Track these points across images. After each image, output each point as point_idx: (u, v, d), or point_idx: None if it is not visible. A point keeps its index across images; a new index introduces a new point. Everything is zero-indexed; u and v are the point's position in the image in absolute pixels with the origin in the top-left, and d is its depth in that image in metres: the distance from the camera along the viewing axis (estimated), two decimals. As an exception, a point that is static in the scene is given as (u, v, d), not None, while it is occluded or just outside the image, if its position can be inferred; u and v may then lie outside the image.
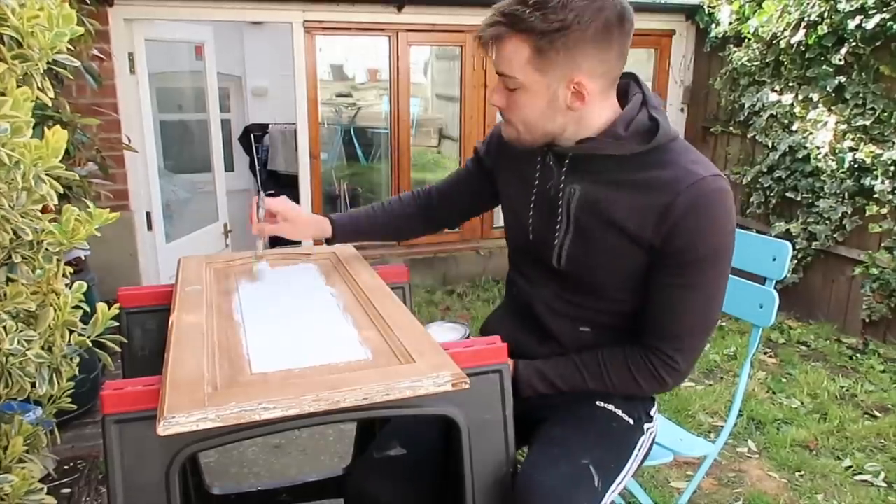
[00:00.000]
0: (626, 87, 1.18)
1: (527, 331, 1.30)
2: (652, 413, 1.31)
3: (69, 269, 1.30)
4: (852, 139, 3.27)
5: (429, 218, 1.51)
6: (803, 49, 3.44)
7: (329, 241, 1.45)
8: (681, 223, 1.08)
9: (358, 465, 1.52)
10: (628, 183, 1.13)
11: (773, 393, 2.86)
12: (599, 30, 1.05)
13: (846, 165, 3.29)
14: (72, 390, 1.29)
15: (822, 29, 3.28)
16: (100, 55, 2.61)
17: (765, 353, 3.26)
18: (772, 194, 3.78)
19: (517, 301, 1.34)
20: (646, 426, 1.27)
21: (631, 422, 1.24)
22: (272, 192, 5.29)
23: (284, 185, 5.01)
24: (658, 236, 1.10)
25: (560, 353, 1.25)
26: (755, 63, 3.77)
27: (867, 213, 3.22)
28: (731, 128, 4.12)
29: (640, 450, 1.24)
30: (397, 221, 1.50)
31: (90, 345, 1.26)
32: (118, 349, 1.28)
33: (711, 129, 4.28)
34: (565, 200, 1.19)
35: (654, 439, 1.32)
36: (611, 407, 1.24)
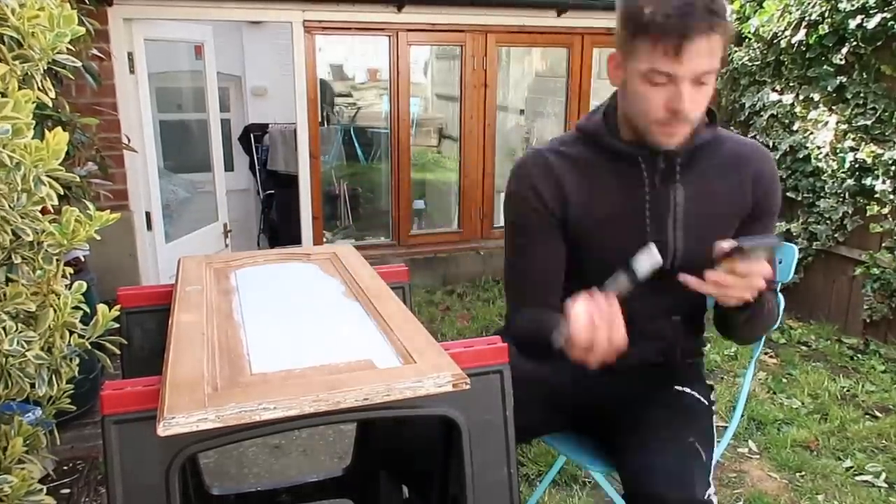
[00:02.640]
0: None
1: None
2: (713, 396, 1.39)
3: (69, 270, 1.30)
4: (853, 139, 3.27)
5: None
6: (804, 49, 3.44)
7: None
8: (771, 184, 1.25)
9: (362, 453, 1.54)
10: (718, 168, 1.23)
11: (774, 393, 2.86)
12: None
13: (847, 165, 3.29)
14: (71, 391, 1.28)
15: (823, 28, 3.28)
16: (99, 55, 2.60)
17: (765, 354, 3.25)
18: (772, 194, 3.77)
19: None
20: (714, 407, 1.36)
21: (706, 403, 1.34)
22: (271, 191, 5.30)
23: (284, 184, 5.01)
24: (754, 200, 1.24)
25: (656, 344, 1.32)
26: (756, 63, 3.77)
27: (868, 213, 3.22)
28: (731, 127, 4.11)
29: (715, 429, 1.31)
30: None
31: (89, 347, 1.25)
32: (117, 351, 1.27)
33: (712, 129, 4.27)
34: (673, 201, 1.22)
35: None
36: (688, 390, 1.33)
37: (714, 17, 1.03)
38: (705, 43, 1.04)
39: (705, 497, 1.13)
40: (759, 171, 1.24)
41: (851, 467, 2.31)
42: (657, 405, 1.28)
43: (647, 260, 1.08)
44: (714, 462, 1.24)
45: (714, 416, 1.35)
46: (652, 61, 1.07)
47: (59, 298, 1.21)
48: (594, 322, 1.02)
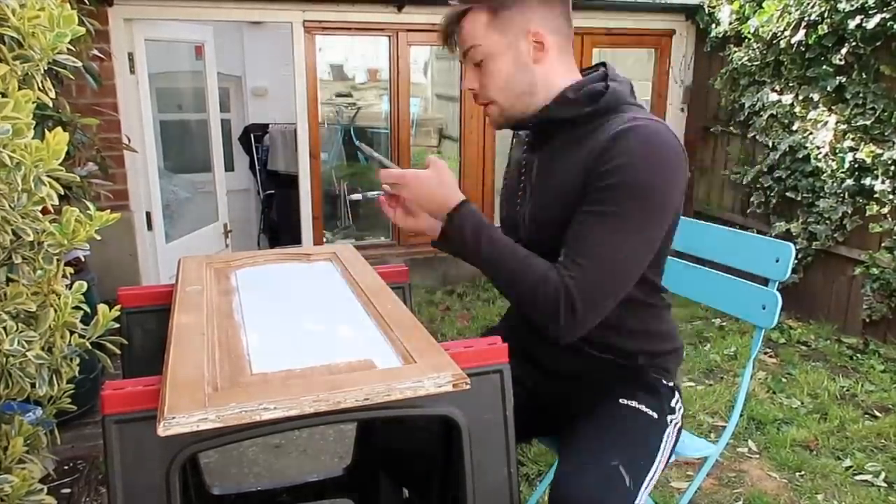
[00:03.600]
0: (595, 69, 1.26)
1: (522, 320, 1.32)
2: (674, 404, 1.30)
3: (69, 270, 1.30)
4: (852, 139, 3.27)
5: None
6: (803, 49, 3.44)
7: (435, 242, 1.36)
8: (605, 154, 1.09)
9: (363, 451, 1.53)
10: (574, 143, 1.17)
11: (774, 393, 2.86)
12: None
13: (846, 165, 3.29)
14: (72, 391, 1.28)
15: (823, 29, 3.28)
16: (100, 55, 2.60)
17: (765, 353, 3.26)
18: (772, 194, 3.78)
19: None
20: (669, 418, 1.27)
21: (655, 416, 1.24)
22: (271, 191, 5.30)
23: (284, 184, 5.01)
24: (586, 175, 1.12)
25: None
26: (755, 63, 3.78)
27: (867, 213, 3.22)
28: (731, 128, 4.12)
29: (666, 443, 1.24)
30: None
31: (90, 346, 1.26)
32: (118, 351, 1.28)
33: (711, 129, 4.28)
34: (528, 173, 1.27)
35: (679, 430, 1.32)
36: (633, 403, 1.24)
37: (457, 4, 1.19)
38: (467, 21, 1.19)
39: None
40: (603, 144, 1.10)
41: (851, 467, 2.31)
42: (592, 420, 1.22)
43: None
44: (650, 483, 1.16)
45: (669, 428, 1.26)
46: None
47: (59, 298, 1.21)
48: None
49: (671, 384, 1.33)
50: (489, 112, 1.26)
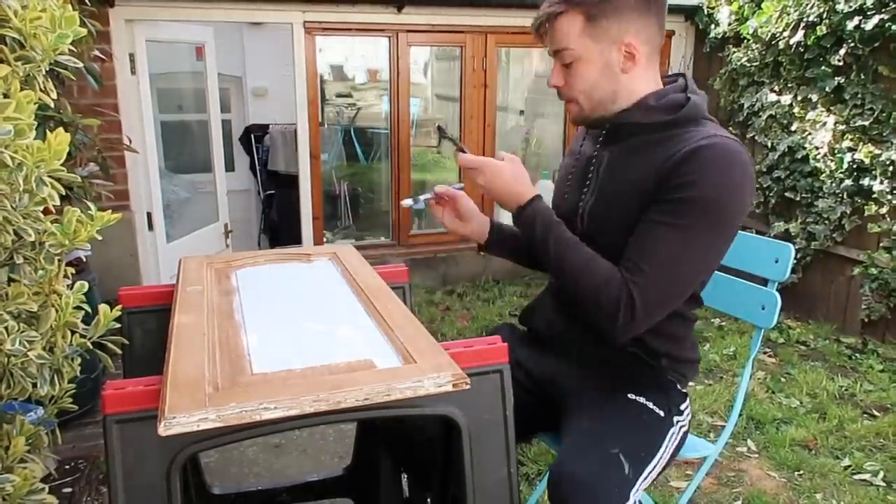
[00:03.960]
0: (675, 80, 1.28)
1: (556, 307, 1.38)
2: (683, 407, 1.32)
3: (70, 270, 1.30)
4: (851, 139, 3.28)
5: None
6: (802, 50, 3.44)
7: (480, 248, 1.49)
8: (681, 166, 1.12)
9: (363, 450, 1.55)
10: (646, 145, 1.20)
11: (773, 392, 2.86)
12: None
13: (845, 166, 3.29)
14: (73, 390, 1.29)
15: (821, 30, 3.28)
16: (101, 56, 2.61)
17: (764, 353, 3.26)
18: (771, 194, 3.78)
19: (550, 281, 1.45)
20: (675, 419, 1.28)
21: (661, 414, 1.26)
22: (272, 192, 5.30)
23: (285, 185, 5.01)
24: (661, 178, 1.14)
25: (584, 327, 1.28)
26: (754, 64, 3.78)
27: (866, 213, 3.22)
28: (730, 128, 4.12)
29: (670, 441, 1.25)
30: None
31: (91, 346, 1.26)
32: (119, 351, 1.28)
33: (711, 130, 4.28)
34: (594, 167, 1.28)
35: (685, 433, 1.33)
36: (641, 399, 1.26)
37: (556, 5, 1.19)
38: (550, 24, 1.21)
39: None
40: (672, 155, 1.13)
41: (850, 466, 2.32)
42: (599, 412, 1.24)
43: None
44: (649, 476, 1.17)
45: (674, 428, 1.27)
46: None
47: (60, 298, 1.21)
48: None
49: (684, 389, 1.35)
50: (570, 109, 1.29)
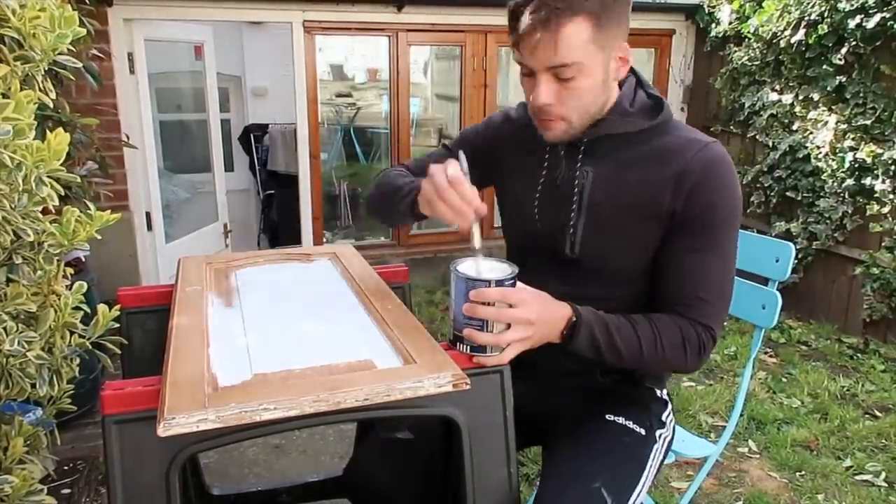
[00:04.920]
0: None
1: None
2: (664, 418, 1.28)
3: (69, 270, 1.30)
4: (853, 139, 3.27)
5: None
6: (803, 48, 3.44)
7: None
8: (699, 187, 1.08)
9: (361, 450, 1.51)
10: (637, 159, 1.13)
11: (774, 393, 2.86)
12: None
13: (846, 165, 3.29)
14: (72, 391, 1.28)
15: (823, 28, 3.28)
16: (99, 55, 2.61)
17: (765, 353, 3.26)
18: (772, 194, 3.78)
19: None
20: (658, 433, 1.24)
21: (643, 432, 1.22)
22: (271, 191, 5.30)
23: (284, 185, 5.01)
24: (677, 203, 1.10)
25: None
26: (755, 62, 3.78)
27: (868, 213, 3.22)
28: (731, 127, 4.11)
29: (654, 459, 1.22)
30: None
31: (90, 347, 1.26)
32: (118, 351, 1.28)
33: (711, 129, 4.27)
34: (578, 185, 1.16)
35: (669, 443, 1.29)
36: (621, 420, 1.22)
37: (559, 8, 1.00)
38: (551, 34, 1.01)
39: None
40: (685, 171, 1.08)
41: (851, 466, 2.31)
42: (574, 441, 1.19)
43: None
44: (636, 498, 1.14)
45: (657, 444, 1.23)
46: (517, 52, 1.09)
47: (59, 299, 1.21)
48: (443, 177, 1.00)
49: (663, 395, 1.31)
50: (552, 128, 1.13)
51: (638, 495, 1.15)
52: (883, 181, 3.14)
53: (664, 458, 1.28)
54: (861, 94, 3.23)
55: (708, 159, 1.10)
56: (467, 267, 1.01)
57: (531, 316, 0.99)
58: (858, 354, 3.24)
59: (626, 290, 1.19)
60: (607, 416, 1.22)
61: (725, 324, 3.47)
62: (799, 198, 3.61)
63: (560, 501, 1.07)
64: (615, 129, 1.14)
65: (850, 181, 3.29)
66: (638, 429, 1.22)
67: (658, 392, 1.30)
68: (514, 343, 0.99)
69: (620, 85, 1.17)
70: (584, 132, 1.15)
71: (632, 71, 1.19)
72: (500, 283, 0.97)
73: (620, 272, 1.18)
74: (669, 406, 1.31)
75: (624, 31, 1.09)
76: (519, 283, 1.01)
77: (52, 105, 1.28)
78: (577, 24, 1.01)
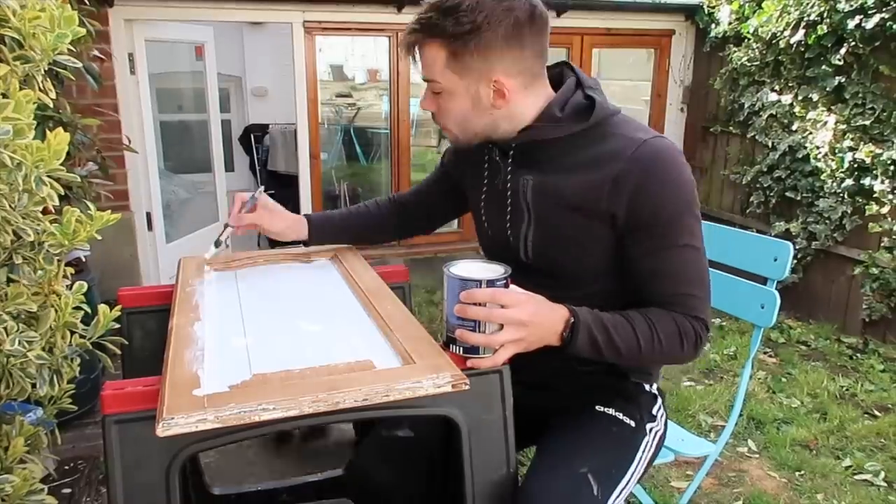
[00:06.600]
0: (561, 74, 1.20)
1: None
2: (655, 412, 1.28)
3: (70, 270, 1.30)
4: (852, 139, 3.27)
5: (402, 223, 1.52)
6: (803, 49, 3.44)
7: (306, 243, 1.46)
8: (641, 190, 1.07)
9: (362, 448, 1.51)
10: (574, 163, 1.13)
11: (773, 392, 2.86)
12: (510, 29, 1.06)
13: (846, 165, 3.29)
14: (72, 391, 1.29)
15: (822, 29, 3.28)
16: (100, 56, 2.61)
17: (765, 353, 3.26)
18: (771, 194, 3.78)
19: None
20: (648, 426, 1.25)
21: (632, 424, 1.22)
22: (272, 192, 5.30)
23: (284, 185, 5.01)
24: (619, 207, 1.08)
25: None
26: (755, 63, 3.78)
27: (867, 213, 3.22)
28: (730, 127, 4.12)
29: (644, 451, 1.22)
30: (372, 223, 1.51)
31: (90, 347, 1.26)
32: (118, 351, 1.28)
33: (711, 129, 4.28)
34: (521, 192, 1.19)
35: (660, 438, 1.29)
36: (611, 411, 1.23)
37: (417, 30, 1.09)
38: (426, 52, 1.11)
39: None
40: (623, 172, 1.07)
41: (850, 466, 2.31)
42: (564, 430, 1.20)
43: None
44: (623, 492, 1.14)
45: (647, 437, 1.23)
46: None
47: (60, 299, 1.21)
48: None
49: (653, 390, 1.31)
50: (447, 134, 1.22)
51: (625, 486, 1.16)
52: (882, 181, 3.14)
53: (656, 452, 1.28)
54: (860, 95, 3.23)
55: (645, 157, 1.08)
56: (460, 268, 1.01)
57: (523, 317, 0.98)
58: (858, 354, 3.24)
59: (591, 288, 1.18)
60: (597, 408, 1.23)
61: (719, 320, 3.50)
62: (798, 198, 3.61)
63: (546, 486, 1.07)
64: (542, 135, 1.14)
65: (849, 181, 3.29)
66: (627, 420, 1.23)
67: (647, 386, 1.30)
68: (508, 344, 0.99)
69: (557, 87, 1.17)
70: (512, 138, 1.17)
71: (572, 70, 1.19)
72: (491, 283, 0.97)
73: (579, 273, 1.18)
74: (660, 401, 1.32)
75: (493, 66, 1.08)
76: (513, 286, 1.01)
77: (52, 105, 1.28)
78: (432, 49, 1.10)
